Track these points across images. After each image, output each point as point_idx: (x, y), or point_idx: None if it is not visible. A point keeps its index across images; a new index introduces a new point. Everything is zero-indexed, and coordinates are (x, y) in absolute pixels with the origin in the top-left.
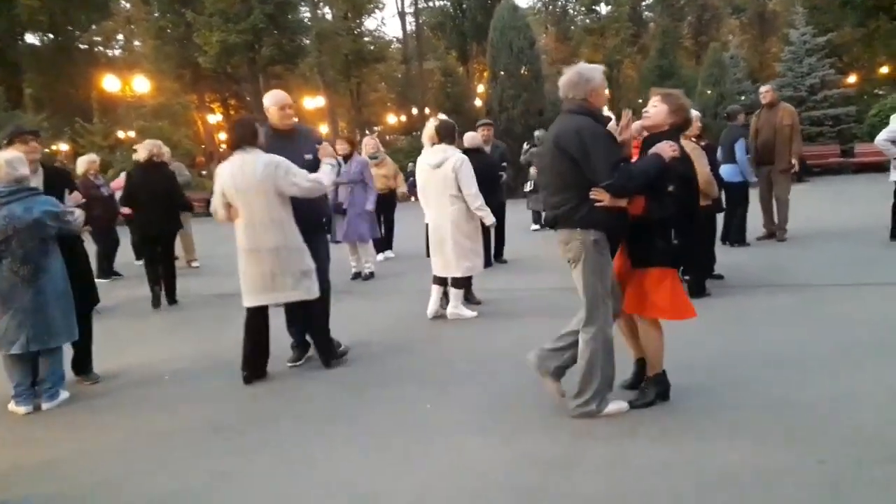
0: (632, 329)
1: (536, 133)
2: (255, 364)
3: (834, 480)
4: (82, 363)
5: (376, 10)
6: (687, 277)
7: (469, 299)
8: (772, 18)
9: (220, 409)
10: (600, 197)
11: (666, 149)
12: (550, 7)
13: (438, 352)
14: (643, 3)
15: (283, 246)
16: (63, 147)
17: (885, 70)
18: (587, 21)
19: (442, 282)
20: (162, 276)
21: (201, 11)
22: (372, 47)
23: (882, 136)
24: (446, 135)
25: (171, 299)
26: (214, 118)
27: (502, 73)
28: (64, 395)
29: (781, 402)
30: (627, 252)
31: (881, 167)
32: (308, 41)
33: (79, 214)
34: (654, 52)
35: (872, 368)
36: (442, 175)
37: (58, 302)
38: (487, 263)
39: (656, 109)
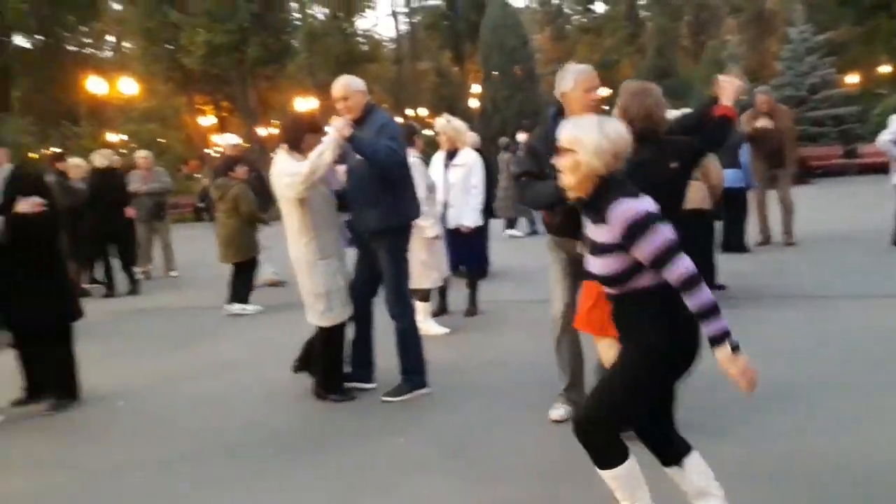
0: None
1: (501, 140)
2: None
3: None
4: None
5: (368, 10)
6: None
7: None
8: (770, 17)
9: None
10: None
11: None
12: (545, 6)
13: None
14: (640, 2)
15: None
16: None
17: (885, 69)
18: (583, 20)
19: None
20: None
21: (185, 11)
22: (364, 48)
23: (885, 137)
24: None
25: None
26: (208, 121)
27: (495, 72)
28: None
29: None
30: None
31: (885, 168)
32: (296, 42)
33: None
34: (652, 51)
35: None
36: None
37: None
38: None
39: None
